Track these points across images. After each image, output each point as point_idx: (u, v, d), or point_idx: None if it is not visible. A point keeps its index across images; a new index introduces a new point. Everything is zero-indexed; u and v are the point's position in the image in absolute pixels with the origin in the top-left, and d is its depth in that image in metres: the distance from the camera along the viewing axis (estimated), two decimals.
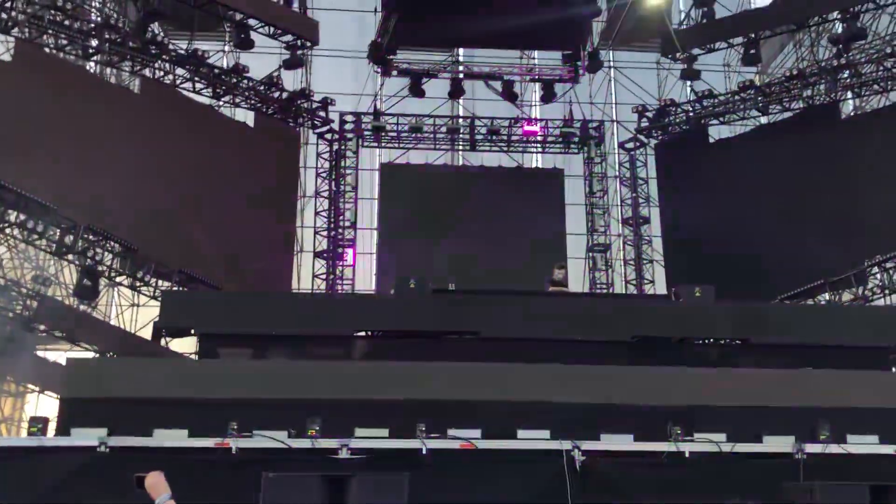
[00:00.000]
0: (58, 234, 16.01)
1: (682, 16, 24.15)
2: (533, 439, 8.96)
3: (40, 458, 8.63)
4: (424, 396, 9.61)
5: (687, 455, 8.76)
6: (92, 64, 19.44)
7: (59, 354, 17.52)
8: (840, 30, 20.32)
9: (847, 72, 20.56)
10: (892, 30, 21.32)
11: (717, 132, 23.90)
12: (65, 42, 18.23)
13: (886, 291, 17.96)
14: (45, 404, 18.03)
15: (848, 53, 20.33)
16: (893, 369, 12.19)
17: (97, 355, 16.38)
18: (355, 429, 8.96)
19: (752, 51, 21.50)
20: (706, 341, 12.21)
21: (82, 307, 17.72)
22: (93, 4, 20.30)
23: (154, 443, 8.78)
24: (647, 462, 8.86)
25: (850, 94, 21.84)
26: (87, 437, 8.74)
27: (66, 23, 17.94)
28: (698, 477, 8.80)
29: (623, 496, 8.66)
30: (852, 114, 22.57)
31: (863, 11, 19.82)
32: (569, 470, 8.45)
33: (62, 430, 9.32)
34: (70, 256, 16.76)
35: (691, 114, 23.27)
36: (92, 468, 8.35)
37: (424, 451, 8.65)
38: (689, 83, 23.41)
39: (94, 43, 18.26)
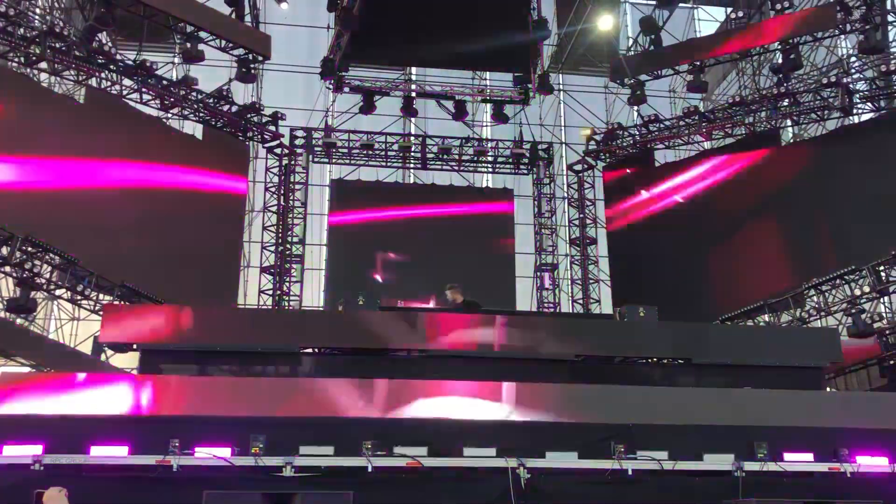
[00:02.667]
0: None
1: (630, 42, 24.73)
2: (479, 457, 8.98)
3: None
4: (370, 414, 9.58)
5: (630, 472, 8.88)
6: (35, 71, 19.00)
7: None
8: (780, 60, 21.05)
9: (787, 100, 21.27)
10: (828, 61, 22.18)
11: (662, 156, 24.47)
12: (6, 48, 17.79)
13: (822, 313, 18.50)
14: None
15: (787, 83, 21.06)
16: (827, 388, 12.58)
17: (33, 370, 15.88)
18: (300, 446, 8.87)
19: (697, 78, 22.11)
20: (649, 361, 12.42)
21: (19, 321, 17.18)
22: (37, 11, 19.89)
23: (92, 460, 8.55)
24: (591, 480, 8.96)
25: (789, 122, 22.58)
26: (20, 454, 8.47)
27: (9, 29, 17.52)
28: (641, 494, 8.94)
29: None
30: (791, 140, 23.34)
31: (801, 43, 20.59)
32: (514, 488, 8.50)
33: None
34: (7, 268, 16.26)
35: (638, 137, 23.77)
36: (25, 487, 8.09)
37: (370, 469, 8.61)
38: (636, 108, 23.94)
39: (38, 50, 17.85)
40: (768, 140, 21.85)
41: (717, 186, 21.67)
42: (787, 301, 18.36)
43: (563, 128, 27.37)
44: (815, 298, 18.58)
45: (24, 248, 15.81)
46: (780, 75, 21.04)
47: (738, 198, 21.09)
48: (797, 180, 20.42)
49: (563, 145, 26.87)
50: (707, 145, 23.95)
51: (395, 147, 24.28)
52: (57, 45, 18.17)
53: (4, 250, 15.61)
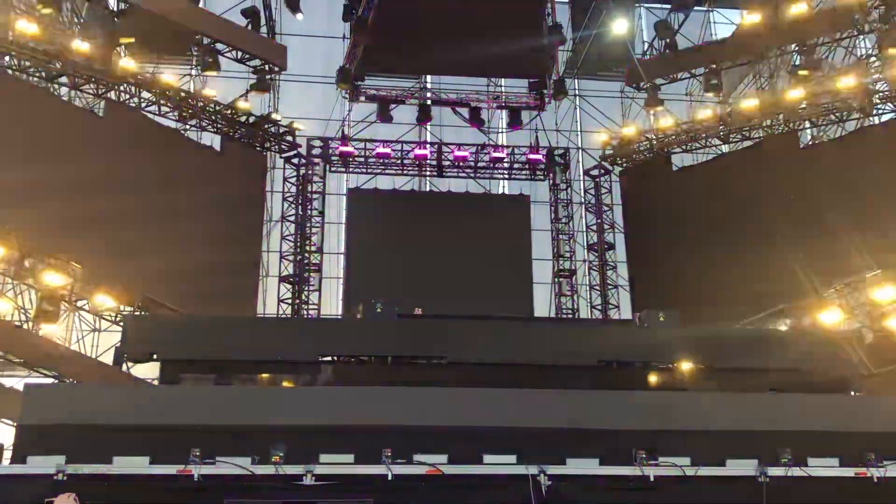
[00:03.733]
0: (17, 257, 15.72)
1: (646, 46, 24.67)
2: (499, 464, 8.95)
3: None
4: (390, 422, 9.57)
5: (652, 479, 8.81)
6: (55, 86, 19.23)
7: (16, 381, 17.11)
8: (798, 61, 20.88)
9: (804, 102, 21.09)
10: (846, 62, 21.98)
11: (679, 160, 24.33)
12: (28, 64, 18.02)
13: (846, 317, 18.30)
14: (1, 432, 17.57)
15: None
16: (852, 393, 12.42)
17: (56, 381, 16.02)
18: (320, 454, 8.88)
19: (714, 81, 21.99)
20: (670, 366, 12.34)
21: (41, 332, 17.34)
22: (57, 27, 20.14)
23: (114, 470, 8.60)
24: (612, 486, 8.89)
25: (808, 124, 22.39)
26: (44, 464, 8.54)
27: (31, 45, 17.75)
28: (663, 501, 8.86)
29: None
30: (810, 143, 23.16)
31: (819, 45, 20.43)
32: (535, 495, 8.45)
33: (18, 457, 9.09)
34: (30, 280, 16.45)
35: (655, 142, 23.67)
36: (51, 497, 8.15)
37: (390, 477, 8.60)
38: (652, 112, 23.83)
39: (58, 65, 18.07)
40: (787, 142, 21.67)
41: (736, 190, 21.49)
42: (810, 305, 18.17)
43: (579, 133, 27.31)
44: (837, 302, 18.38)
45: (47, 260, 15.99)
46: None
47: (757, 201, 20.91)
48: (817, 183, 20.21)
49: (580, 150, 26.81)
50: (725, 148, 23.80)
51: (411, 155, 24.32)
52: (77, 60, 18.38)
53: (27, 262, 15.79)
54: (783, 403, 10.30)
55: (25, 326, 17.52)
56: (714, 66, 21.97)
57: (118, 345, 15.30)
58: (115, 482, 8.47)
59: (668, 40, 22.54)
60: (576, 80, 27.16)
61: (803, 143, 22.65)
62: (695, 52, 22.87)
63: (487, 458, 9.02)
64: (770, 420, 9.92)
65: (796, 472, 8.96)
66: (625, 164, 24.48)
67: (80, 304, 17.37)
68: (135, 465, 8.73)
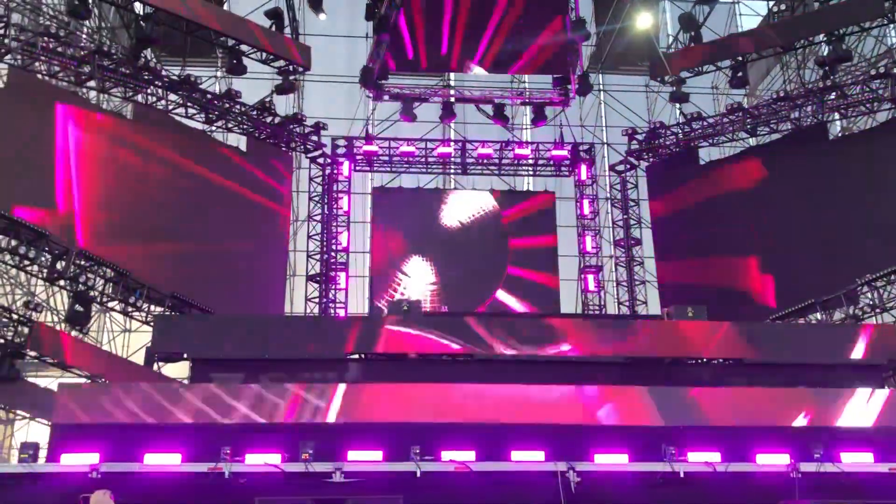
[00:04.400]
0: (49, 259, 15.97)
1: (671, 39, 24.44)
2: (528, 461, 8.95)
3: (31, 485, 8.57)
4: (418, 419, 9.60)
5: (682, 475, 8.75)
6: (85, 90, 19.49)
7: (50, 381, 17.39)
8: (826, 52, 20.55)
9: (833, 93, 20.77)
10: (877, 52, 21.61)
11: (706, 154, 24.09)
12: (57, 69, 18.28)
13: (877, 310, 18.01)
14: (36, 431, 17.87)
15: (834, 75, 20.56)
16: (886, 387, 12.23)
17: (89, 381, 16.25)
18: (349, 452, 8.94)
19: (740, 73, 21.73)
20: (699, 361, 12.23)
21: (74, 333, 17.62)
22: (85, 31, 20.41)
23: (146, 468, 8.73)
24: (642, 482, 8.85)
25: (836, 116, 22.03)
26: (78, 463, 8.69)
27: (59, 49, 18.01)
28: (694, 496, 8.80)
29: None
30: (840, 135, 22.78)
31: (848, 34, 20.09)
32: (564, 492, 8.44)
33: (53, 456, 9.26)
34: (62, 282, 16.69)
35: (681, 136, 23.45)
36: (87, 493, 8.29)
37: (419, 474, 8.63)
38: (678, 106, 23.61)
39: (87, 69, 18.31)
40: (815, 134, 21.37)
41: (765, 183, 21.25)
42: (840, 298, 17.89)
43: (604, 128, 27.14)
44: (869, 295, 18.10)
45: (77, 262, 16.22)
46: (826, 67, 20.55)
47: (785, 194, 20.66)
48: (846, 175, 19.93)
49: (605, 146, 26.64)
50: (752, 142, 23.50)
51: (436, 153, 24.31)
52: (105, 64, 18.62)
53: (59, 265, 16.03)
54: (815, 398, 10.17)
55: (59, 328, 17.81)
56: (740, 58, 21.70)
57: (149, 345, 15.54)
58: (147, 480, 8.59)
59: (692, 33, 22.29)
60: (600, 75, 26.99)
61: (833, 135, 22.31)
62: (720, 44, 22.61)
63: (516, 455, 9.03)
64: (802, 415, 9.81)
65: (829, 467, 8.86)
66: (651, 159, 24.29)
67: (110, 304, 17.58)
68: (166, 462, 8.85)
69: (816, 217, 19.84)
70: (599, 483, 8.66)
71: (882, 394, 11.62)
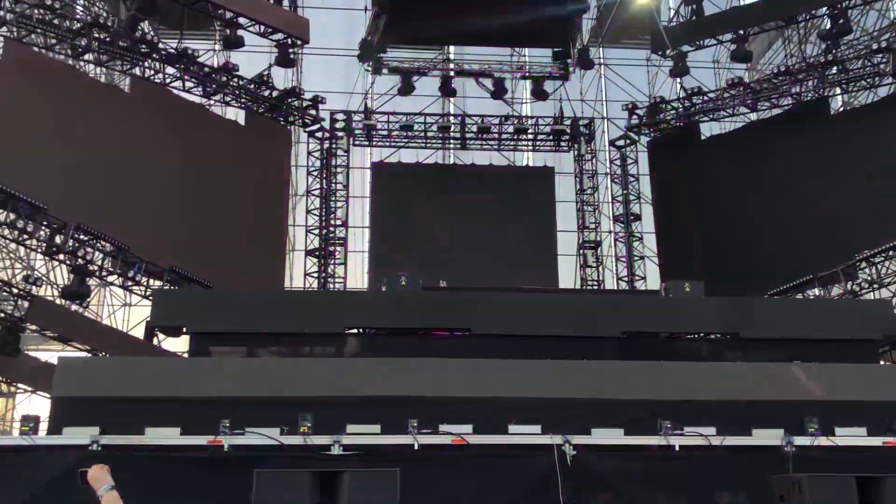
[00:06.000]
0: (48, 233, 15.96)
1: (672, 13, 24.24)
2: (524, 434, 9.02)
3: (33, 457, 8.65)
4: (416, 393, 9.67)
5: (677, 449, 8.83)
6: (81, 63, 19.37)
7: (50, 354, 17.49)
8: (828, 25, 20.40)
9: (835, 68, 20.65)
10: (879, 25, 21.45)
11: (707, 129, 24.02)
12: (54, 41, 18.15)
13: (875, 286, 18.06)
14: (37, 404, 18.00)
15: (836, 49, 20.42)
16: (881, 362, 12.31)
17: (89, 355, 16.34)
18: (347, 425, 9.01)
19: (742, 47, 21.59)
20: (695, 336, 12.30)
21: (74, 307, 17.67)
22: (81, 3, 20.24)
23: (146, 441, 8.80)
24: (637, 456, 8.93)
25: (838, 90, 21.93)
26: (79, 435, 8.76)
27: (55, 21, 17.87)
28: (688, 470, 8.89)
29: (614, 490, 8.74)
30: (841, 109, 22.69)
31: (850, 7, 19.93)
32: (560, 464, 8.52)
33: (54, 429, 9.34)
34: (61, 256, 16.71)
35: (681, 111, 23.35)
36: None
37: (416, 447, 8.70)
38: (678, 80, 23.49)
39: (83, 42, 18.18)
40: (817, 109, 21.28)
41: (764, 158, 21.18)
42: (838, 274, 17.94)
43: (604, 102, 27.02)
44: (867, 271, 18.14)
45: (76, 236, 16.22)
46: (829, 42, 20.41)
47: (785, 169, 20.62)
48: (847, 150, 19.87)
49: (605, 120, 26.53)
50: (753, 117, 23.41)
51: (435, 128, 24.22)
52: (101, 36, 18.48)
53: (58, 239, 16.03)
54: (811, 373, 10.23)
55: (58, 302, 17.86)
56: (742, 32, 21.54)
57: (149, 319, 15.60)
58: (147, 452, 8.66)
59: (694, 6, 22.12)
60: (600, 49, 26.79)
61: (834, 110, 22.22)
62: (722, 18, 22.44)
63: (512, 429, 9.10)
64: (797, 390, 9.89)
65: (823, 441, 8.94)
66: (651, 134, 24.20)
67: (110, 279, 17.61)
68: (166, 436, 8.92)
69: (816, 192, 19.82)
70: (595, 456, 8.74)
71: (876, 368, 11.73)
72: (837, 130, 20.73)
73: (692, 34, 22.32)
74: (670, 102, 23.54)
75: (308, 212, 23.08)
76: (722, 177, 21.91)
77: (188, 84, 20.30)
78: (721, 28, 22.01)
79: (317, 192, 23.20)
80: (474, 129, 24.36)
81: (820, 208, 19.55)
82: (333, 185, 23.38)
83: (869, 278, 18.10)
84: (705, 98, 22.93)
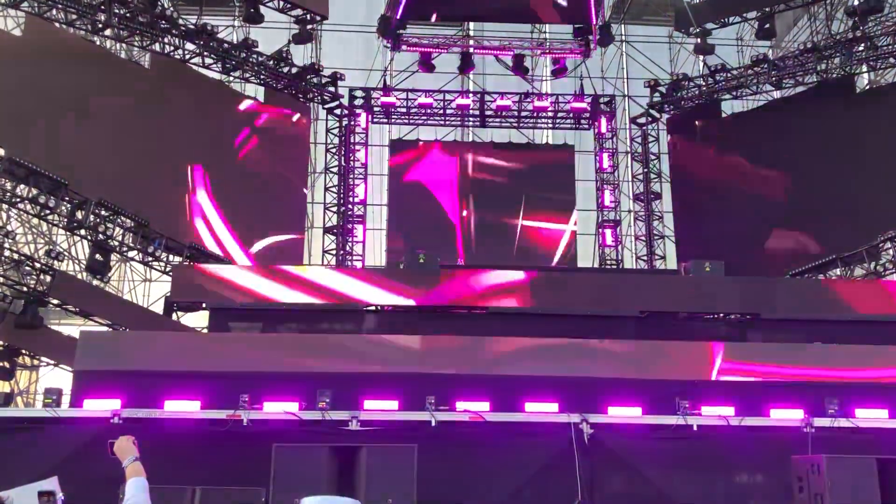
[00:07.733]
0: (69, 209, 16.08)
1: None
2: (541, 412, 9.03)
3: (55, 429, 8.78)
4: (434, 370, 9.69)
5: (695, 428, 8.80)
6: (101, 39, 19.39)
7: (72, 328, 17.68)
8: (856, 2, 19.98)
9: (862, 45, 20.23)
10: None
11: (730, 107, 23.66)
12: (74, 17, 18.18)
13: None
14: (60, 377, 18.24)
15: (864, 26, 20.01)
16: None
17: (110, 329, 16.50)
18: (365, 401, 9.06)
19: (766, 25, 21.21)
20: (715, 316, 12.21)
21: (95, 282, 17.82)
22: None
23: (166, 414, 8.90)
24: (655, 435, 8.91)
25: (865, 68, 21.50)
26: (100, 408, 8.87)
27: None
28: (706, 450, 8.86)
29: (631, 469, 8.73)
30: (867, 87, 22.27)
31: None
32: (577, 443, 8.52)
33: (76, 401, 9.46)
34: (82, 231, 16.83)
35: (704, 88, 23.01)
36: (105, 439, 8.48)
37: (434, 423, 8.73)
38: (702, 57, 23.13)
39: (103, 17, 18.18)
40: (842, 87, 20.90)
41: (787, 137, 20.88)
42: (862, 254, 17.70)
43: (625, 80, 26.67)
44: (890, 252, 17.89)
45: (97, 211, 16.33)
46: (856, 18, 19.99)
47: (808, 148, 20.32)
48: (873, 129, 19.54)
49: (626, 98, 26.21)
50: (777, 95, 23.03)
51: (454, 105, 24.05)
52: (121, 12, 18.49)
53: (79, 214, 16.15)
54: (830, 354, 10.15)
55: (80, 277, 18.03)
56: (767, 8, 21.15)
57: (168, 294, 15.71)
58: (167, 426, 8.76)
59: None
60: (622, 26, 26.41)
61: (860, 88, 21.82)
62: None
63: (529, 407, 9.11)
64: (817, 370, 9.81)
65: (843, 422, 8.87)
66: (673, 112, 23.91)
67: (130, 254, 17.74)
68: (186, 409, 9.02)
69: (840, 171, 19.53)
70: (612, 435, 8.73)
71: None
72: (863, 108, 20.37)
73: (717, 11, 21.95)
74: (693, 80, 23.21)
75: (326, 189, 23.07)
76: (743, 155, 21.65)
77: (207, 60, 20.28)
78: (747, 5, 21.62)
79: (335, 170, 23.16)
80: (493, 106, 24.17)
81: (844, 187, 19.27)
82: (352, 162, 23.32)
83: (893, 259, 17.85)
84: (728, 75, 22.59)
